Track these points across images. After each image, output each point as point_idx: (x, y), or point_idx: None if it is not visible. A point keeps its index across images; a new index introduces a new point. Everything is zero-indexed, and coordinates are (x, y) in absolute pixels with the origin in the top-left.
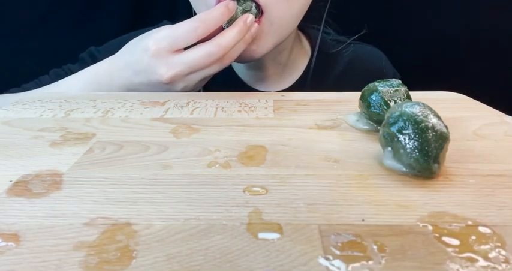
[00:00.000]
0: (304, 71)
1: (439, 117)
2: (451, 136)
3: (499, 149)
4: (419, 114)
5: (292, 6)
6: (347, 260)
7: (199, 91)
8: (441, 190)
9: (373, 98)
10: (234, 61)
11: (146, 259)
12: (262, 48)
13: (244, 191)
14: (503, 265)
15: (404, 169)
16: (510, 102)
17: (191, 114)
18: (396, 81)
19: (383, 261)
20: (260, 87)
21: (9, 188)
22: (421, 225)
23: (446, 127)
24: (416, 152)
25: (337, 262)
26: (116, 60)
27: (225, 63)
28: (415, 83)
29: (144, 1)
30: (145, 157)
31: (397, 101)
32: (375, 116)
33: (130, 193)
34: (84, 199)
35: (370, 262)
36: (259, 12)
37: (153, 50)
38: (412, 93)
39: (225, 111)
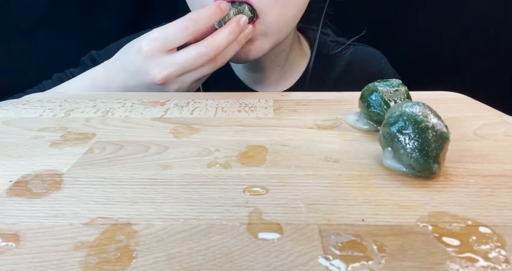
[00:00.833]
0: (303, 73)
1: (439, 117)
2: (451, 137)
3: (499, 149)
4: (419, 114)
5: (288, 10)
6: (347, 260)
7: (198, 90)
8: (441, 190)
9: (373, 98)
10: (230, 61)
11: (146, 259)
12: (257, 49)
13: (244, 191)
14: (503, 265)
15: (404, 169)
16: (510, 102)
17: (191, 114)
18: (396, 81)
19: (383, 261)
20: (259, 89)
21: (9, 188)
22: (421, 225)
23: (446, 127)
24: (416, 152)
25: (337, 262)
26: (112, 64)
27: (218, 64)
28: (415, 83)
29: (145, 2)
30: (145, 157)
31: (397, 101)
32: (375, 116)
33: (130, 193)
34: (84, 199)
35: (370, 262)
36: (254, 15)
37: (146, 50)
38: (412, 93)
39: (225, 111)
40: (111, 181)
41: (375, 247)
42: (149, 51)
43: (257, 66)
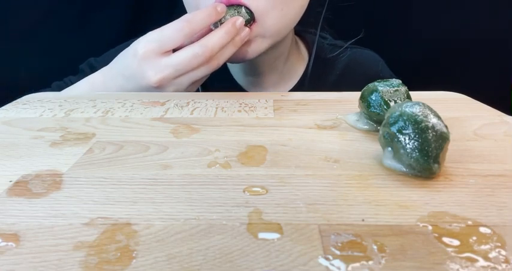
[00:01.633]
0: (301, 77)
1: (439, 117)
2: (451, 137)
3: (499, 149)
4: (419, 114)
5: (286, 13)
6: (347, 260)
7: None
8: (441, 190)
9: (373, 98)
10: (226, 61)
11: (146, 259)
12: (254, 51)
13: (244, 191)
14: (503, 265)
15: (404, 169)
16: (510, 102)
17: (191, 114)
18: (396, 81)
19: (383, 261)
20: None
21: (9, 188)
22: (421, 225)
23: (446, 127)
24: (416, 152)
25: (337, 262)
26: (109, 69)
27: (214, 66)
28: (415, 83)
29: (145, 2)
30: (145, 157)
31: (397, 101)
32: (375, 116)
33: (130, 193)
34: (84, 199)
35: (370, 262)
36: (252, 18)
37: (141, 53)
38: (412, 93)
39: (225, 111)
40: (111, 181)
41: (375, 247)
42: (145, 54)
43: (255, 70)
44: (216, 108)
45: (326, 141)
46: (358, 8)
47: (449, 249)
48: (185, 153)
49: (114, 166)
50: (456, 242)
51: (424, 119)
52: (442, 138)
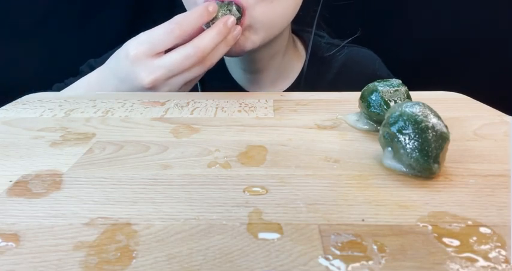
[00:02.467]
0: (298, 75)
1: (439, 117)
2: (451, 137)
3: (499, 149)
4: (419, 114)
5: (276, 6)
6: (347, 260)
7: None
8: (441, 190)
9: (373, 98)
10: (224, 55)
11: (146, 259)
12: (247, 42)
13: (244, 191)
14: (503, 265)
15: (404, 169)
16: (510, 102)
17: (191, 114)
18: (396, 81)
19: (383, 261)
20: (255, 91)
21: (9, 188)
22: (421, 225)
23: (446, 127)
24: (416, 152)
25: (337, 262)
26: (104, 70)
27: (207, 66)
28: (415, 83)
29: (145, 3)
30: (145, 157)
31: (397, 101)
32: (375, 116)
33: (130, 193)
34: (84, 199)
35: (370, 262)
36: (242, 15)
37: (133, 55)
38: (412, 93)
39: (225, 111)
40: (111, 181)
41: (375, 247)
42: (136, 56)
43: (253, 67)
44: (216, 108)
45: (326, 141)
46: (356, 7)
47: (449, 249)
48: (185, 153)
49: (114, 166)
50: (456, 242)
51: (424, 119)
52: (442, 138)
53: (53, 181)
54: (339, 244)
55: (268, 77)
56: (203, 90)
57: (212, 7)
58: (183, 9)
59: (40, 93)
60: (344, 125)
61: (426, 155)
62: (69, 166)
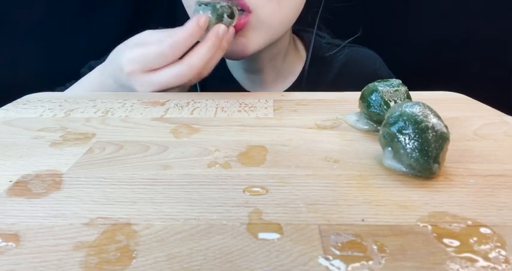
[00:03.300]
0: (299, 75)
1: (439, 117)
2: (451, 137)
3: (499, 149)
4: (419, 114)
5: (283, 7)
6: (347, 260)
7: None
8: (441, 190)
9: (373, 98)
10: (227, 58)
11: (146, 259)
12: (251, 44)
13: (244, 191)
14: (503, 265)
15: (404, 169)
16: (510, 102)
17: (191, 114)
18: (396, 81)
19: (383, 261)
20: (256, 91)
21: (9, 188)
22: (421, 225)
23: (446, 127)
24: (416, 152)
25: (337, 262)
26: (104, 70)
27: (203, 76)
28: (415, 83)
29: (145, 3)
30: (145, 157)
31: (397, 101)
32: (375, 116)
33: (130, 193)
34: (84, 199)
35: (370, 262)
36: (233, 14)
37: (127, 71)
38: (412, 93)
39: (225, 111)
40: (111, 181)
41: (375, 247)
42: (130, 72)
43: (254, 67)
44: (216, 108)
45: (326, 141)
46: (357, 8)
47: (449, 249)
48: (185, 153)
49: (114, 166)
50: (456, 242)
51: (424, 119)
52: (442, 138)
53: (53, 181)
54: (339, 244)
55: (269, 76)
56: (204, 90)
57: (202, 21)
58: (182, 9)
59: (40, 93)
60: (344, 125)
61: (426, 155)
62: (69, 166)
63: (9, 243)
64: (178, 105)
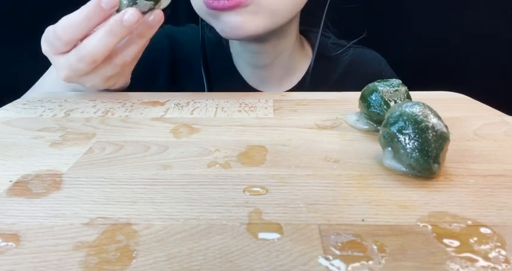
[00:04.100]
0: (305, 74)
1: (439, 117)
2: (451, 137)
3: (499, 149)
4: (419, 114)
5: None
6: (347, 260)
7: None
8: (441, 190)
9: (373, 98)
10: (225, 37)
11: (146, 259)
12: (249, 25)
13: (244, 191)
14: (503, 265)
15: (404, 169)
16: (510, 102)
17: (191, 114)
18: (396, 81)
19: (383, 261)
20: (262, 89)
21: (9, 188)
22: (421, 225)
23: (446, 127)
24: (416, 152)
25: (337, 262)
26: None
27: (119, 64)
28: (415, 83)
29: None
30: (145, 157)
31: (397, 101)
32: (375, 116)
33: (130, 193)
34: (84, 199)
35: (370, 262)
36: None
37: (43, 49)
38: (412, 93)
39: (225, 111)
40: (111, 181)
41: (375, 247)
42: (44, 50)
43: (261, 62)
44: (216, 108)
45: (326, 141)
46: (360, 8)
47: (449, 249)
48: (185, 153)
49: (114, 166)
50: (456, 242)
51: (424, 119)
52: (442, 138)
53: (53, 181)
54: (339, 244)
55: (275, 74)
56: (211, 87)
57: (106, 2)
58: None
59: (40, 93)
60: (344, 125)
61: (426, 155)
62: (69, 166)
63: (9, 243)
64: (178, 105)
